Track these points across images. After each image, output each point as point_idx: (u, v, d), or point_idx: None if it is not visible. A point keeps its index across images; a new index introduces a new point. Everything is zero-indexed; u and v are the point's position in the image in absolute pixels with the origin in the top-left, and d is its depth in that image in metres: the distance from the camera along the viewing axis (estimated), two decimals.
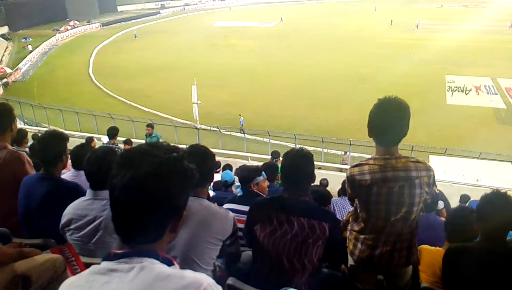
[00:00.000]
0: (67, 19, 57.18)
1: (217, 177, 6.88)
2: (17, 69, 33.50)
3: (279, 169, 2.46)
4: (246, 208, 3.07)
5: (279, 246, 2.18)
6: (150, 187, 1.04)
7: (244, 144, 17.85)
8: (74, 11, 58.83)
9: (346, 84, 26.93)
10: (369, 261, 2.33)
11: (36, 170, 2.89)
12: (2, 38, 46.51)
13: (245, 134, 18.54)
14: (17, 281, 1.92)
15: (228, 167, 7.88)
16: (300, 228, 2.16)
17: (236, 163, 10.90)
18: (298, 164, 2.27)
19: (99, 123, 18.81)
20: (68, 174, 3.43)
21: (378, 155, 2.21)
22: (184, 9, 74.85)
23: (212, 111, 22.52)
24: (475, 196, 9.18)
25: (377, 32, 46.72)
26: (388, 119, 2.12)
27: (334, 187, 8.54)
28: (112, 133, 7.33)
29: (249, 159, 15.08)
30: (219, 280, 1.59)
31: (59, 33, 49.67)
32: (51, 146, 2.73)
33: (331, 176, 10.37)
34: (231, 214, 2.24)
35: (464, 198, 6.77)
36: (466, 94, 25.74)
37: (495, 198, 2.14)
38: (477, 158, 14.38)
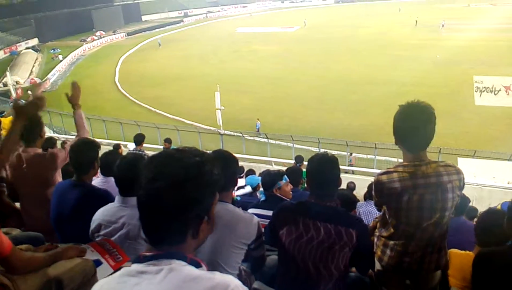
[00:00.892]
0: (94, 29, 58.93)
1: (241, 182, 6.94)
2: (46, 79, 34.70)
3: (304, 174, 2.46)
4: (269, 213, 3.09)
5: (305, 251, 2.17)
6: (167, 190, 1.07)
7: (268, 149, 17.86)
8: (100, 22, 60.59)
9: (370, 87, 26.58)
10: (399, 266, 2.28)
11: (68, 177, 3.01)
12: (33, 50, 48.32)
13: (269, 139, 18.55)
14: (50, 285, 1.98)
15: (251, 172, 7.92)
16: (327, 234, 2.15)
17: (260, 168, 10.94)
18: (324, 169, 2.26)
19: (125, 131, 19.23)
20: (97, 180, 3.53)
21: (407, 162, 2.16)
22: (206, 16, 75.89)
23: (235, 117, 22.66)
24: (506, 199, 8.90)
25: (401, 34, 46.03)
26: (415, 124, 2.08)
27: (359, 191, 8.46)
28: (139, 140, 7.51)
29: (273, 163, 15.08)
30: (244, 284, 1.61)
31: (86, 43, 51.25)
32: (83, 153, 2.82)
33: (357, 179, 10.25)
34: (256, 218, 2.26)
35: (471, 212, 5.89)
36: (495, 95, 24.94)
37: None
38: (508, 160, 13.91)
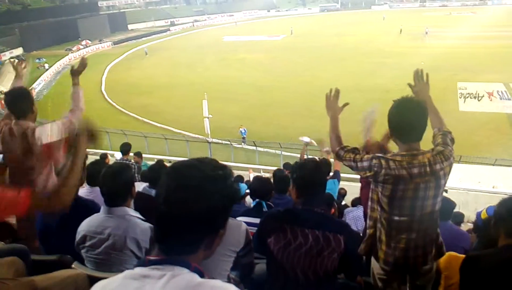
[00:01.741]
0: (79, 39, 58.46)
1: None
2: (31, 89, 34.03)
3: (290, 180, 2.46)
4: (258, 221, 3.08)
5: (293, 259, 2.17)
6: (192, 200, 1.07)
7: (256, 156, 17.86)
8: (86, 31, 60.17)
9: (356, 94, 26.77)
10: (399, 263, 2.31)
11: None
12: (17, 59, 47.65)
13: (257, 147, 18.57)
14: None
15: (239, 179, 7.89)
16: (315, 241, 2.15)
17: (249, 176, 10.92)
18: (314, 176, 2.27)
19: (112, 140, 19.02)
20: (83, 191, 3.48)
21: (403, 152, 2.22)
22: (193, 25, 75.99)
23: (223, 125, 22.62)
24: (491, 203, 9.02)
25: (386, 42, 46.73)
26: (411, 117, 2.19)
27: (348, 198, 8.49)
28: (125, 149, 7.43)
29: (261, 171, 15.08)
30: None
31: (72, 52, 50.72)
32: None
33: (345, 186, 10.28)
34: (244, 225, 2.25)
35: (457, 217, 5.98)
36: (478, 101, 25.43)
37: None
38: (493, 165, 14.13)
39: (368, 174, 2.23)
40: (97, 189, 2.79)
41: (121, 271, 1.16)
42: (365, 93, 27.04)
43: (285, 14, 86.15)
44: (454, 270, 2.51)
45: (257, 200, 3.43)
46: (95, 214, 2.39)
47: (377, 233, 2.39)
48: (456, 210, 4.97)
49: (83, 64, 3.60)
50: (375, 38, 49.76)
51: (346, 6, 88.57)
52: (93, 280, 2.07)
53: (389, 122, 2.28)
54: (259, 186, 3.48)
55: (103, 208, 2.37)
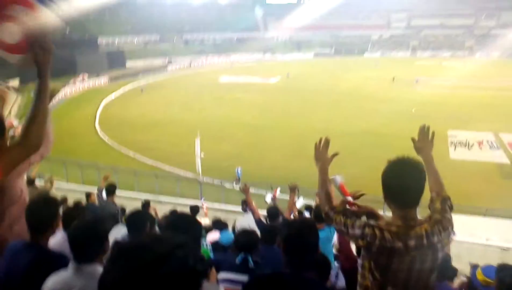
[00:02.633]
0: (77, 73, 59.03)
1: (215, 235, 6.64)
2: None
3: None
4: (242, 277, 2.89)
5: None
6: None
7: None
8: (84, 66, 60.82)
9: (348, 138, 27.06)
10: None
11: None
12: (13, 90, 47.81)
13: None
14: None
15: (223, 226, 7.62)
16: None
17: (239, 220, 10.62)
18: (304, 236, 2.12)
19: (102, 176, 18.74)
20: (57, 237, 3.24)
21: (399, 221, 2.06)
22: (190, 65, 77.42)
23: (216, 163, 22.47)
24: (485, 256, 8.84)
25: (379, 88, 47.75)
26: (407, 181, 2.03)
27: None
28: (110, 190, 7.15)
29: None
30: None
31: (68, 86, 51.05)
32: (41, 211, 2.56)
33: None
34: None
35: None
36: (469, 149, 25.70)
37: None
38: (484, 215, 14.02)
39: (360, 243, 2.08)
40: None
41: None
42: (357, 136, 27.32)
43: (280, 58, 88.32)
44: None
45: (242, 255, 3.22)
46: (62, 271, 2.19)
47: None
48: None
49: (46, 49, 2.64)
50: (368, 84, 50.93)
51: (339, 52, 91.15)
52: None
53: (383, 184, 2.12)
54: (245, 240, 3.31)
55: (71, 264, 2.18)
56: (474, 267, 6.91)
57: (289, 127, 30.97)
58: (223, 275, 3.10)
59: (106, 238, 2.26)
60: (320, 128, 29.84)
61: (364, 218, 2.25)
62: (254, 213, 5.63)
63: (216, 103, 41.45)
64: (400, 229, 2.02)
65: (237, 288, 2.55)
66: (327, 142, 2.57)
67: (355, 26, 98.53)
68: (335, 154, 2.53)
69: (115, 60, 69.30)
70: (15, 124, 32.67)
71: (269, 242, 3.84)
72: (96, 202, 7.83)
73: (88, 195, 7.83)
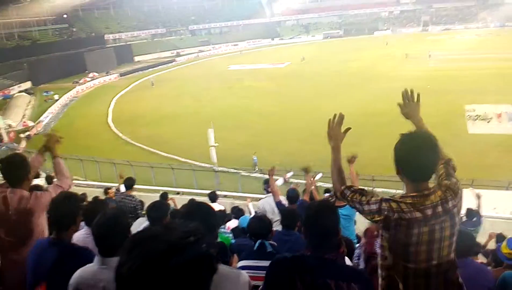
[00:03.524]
0: (86, 71, 59.61)
1: (233, 223, 6.68)
2: (39, 122, 34.65)
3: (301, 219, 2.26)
4: (262, 263, 2.86)
5: None
6: (159, 279, 0.91)
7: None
8: (92, 63, 61.37)
9: (363, 119, 26.75)
10: None
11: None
12: (26, 93, 48.58)
13: (265, 175, 18.34)
14: None
15: (239, 212, 7.68)
16: None
17: (248, 206, 10.62)
18: (322, 218, 2.08)
19: (119, 171, 18.96)
20: (80, 233, 3.28)
21: (413, 192, 2.02)
22: (198, 56, 77.32)
23: (230, 153, 22.51)
24: (509, 230, 8.67)
25: (391, 66, 46.95)
26: (420, 155, 1.98)
27: (359, 227, 8.18)
28: (129, 184, 7.21)
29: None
30: None
31: (79, 85, 51.64)
32: (64, 208, 2.62)
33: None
34: (244, 275, 1.99)
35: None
36: (487, 122, 25.18)
37: None
38: (506, 189, 13.76)
39: (377, 218, 2.03)
40: None
41: None
42: (372, 117, 26.98)
43: (288, 42, 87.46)
44: None
45: (259, 241, 3.20)
46: (89, 265, 2.20)
47: (392, 283, 2.18)
48: None
49: (52, 140, 3.64)
50: (380, 63, 50.11)
51: (349, 33, 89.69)
52: None
53: (395, 158, 2.07)
54: (258, 227, 3.27)
55: (96, 258, 2.19)
56: (499, 240, 6.83)
57: (302, 112, 30.73)
58: (242, 263, 3.08)
59: (129, 232, 2.27)
60: (332, 111, 29.09)
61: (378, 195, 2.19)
62: (275, 195, 5.65)
63: (227, 92, 41.38)
64: (415, 199, 1.97)
65: (259, 273, 2.53)
66: (341, 118, 2.47)
67: (363, 4, 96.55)
68: (348, 129, 2.46)
69: (123, 56, 69.79)
70: (30, 125, 33.31)
71: (289, 225, 3.82)
72: (114, 197, 7.93)
73: (107, 190, 7.91)
